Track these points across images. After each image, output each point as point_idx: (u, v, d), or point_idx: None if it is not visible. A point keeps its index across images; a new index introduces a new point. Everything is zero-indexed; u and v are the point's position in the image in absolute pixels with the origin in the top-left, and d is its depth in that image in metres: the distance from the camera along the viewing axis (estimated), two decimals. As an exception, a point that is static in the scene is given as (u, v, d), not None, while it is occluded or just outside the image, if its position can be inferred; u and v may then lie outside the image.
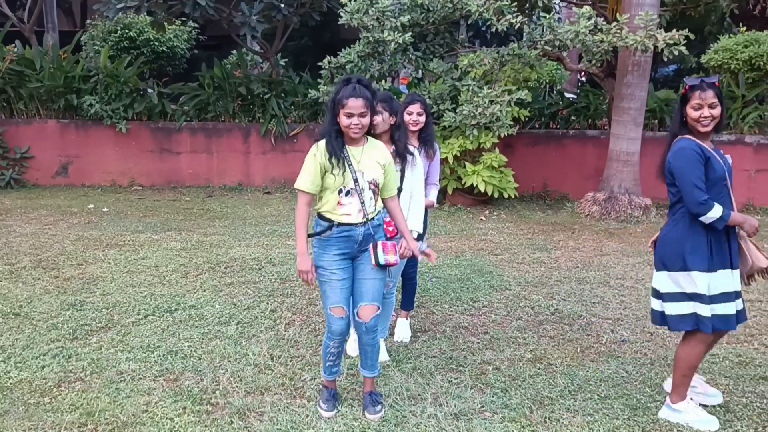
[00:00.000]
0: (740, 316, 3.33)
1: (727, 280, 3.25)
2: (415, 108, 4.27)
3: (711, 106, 3.22)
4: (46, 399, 3.54)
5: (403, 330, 4.55)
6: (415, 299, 4.85)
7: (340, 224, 3.30)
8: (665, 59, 7.51)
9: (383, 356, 4.11)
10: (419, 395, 3.65)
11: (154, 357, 4.11)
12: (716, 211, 3.15)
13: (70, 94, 10.94)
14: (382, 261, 3.28)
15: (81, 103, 10.85)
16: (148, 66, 12.11)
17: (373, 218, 3.35)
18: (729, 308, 3.26)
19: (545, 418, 3.44)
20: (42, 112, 11.19)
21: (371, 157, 3.34)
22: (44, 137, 11.10)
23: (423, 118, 4.32)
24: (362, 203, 3.30)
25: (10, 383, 3.71)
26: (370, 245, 3.32)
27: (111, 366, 3.97)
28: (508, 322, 4.90)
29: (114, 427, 3.24)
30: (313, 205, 3.36)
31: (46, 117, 11.19)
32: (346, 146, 3.30)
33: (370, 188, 3.31)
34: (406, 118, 4.24)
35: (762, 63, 10.34)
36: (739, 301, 3.32)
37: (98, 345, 4.30)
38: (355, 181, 3.28)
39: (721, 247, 3.26)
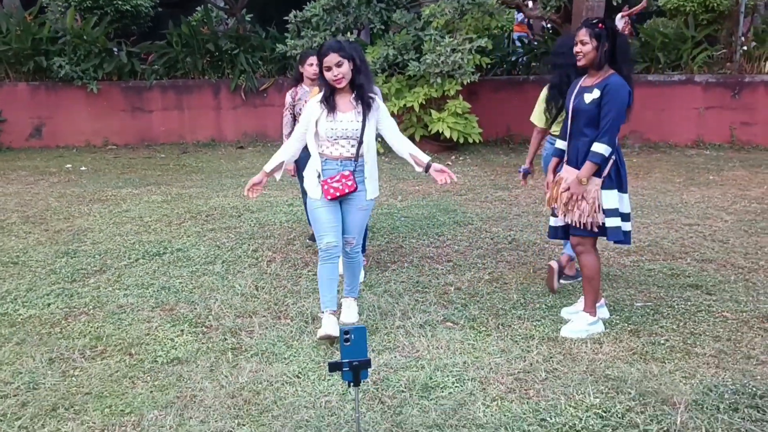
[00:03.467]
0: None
1: None
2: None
3: (582, 43, 3.58)
4: (56, 329, 3.95)
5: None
6: (369, 241, 5.23)
7: None
8: (614, 3, 7.90)
9: (353, 317, 4.04)
10: (389, 312, 4.14)
11: (149, 293, 4.53)
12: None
13: (39, 56, 11.00)
14: None
15: (50, 65, 10.94)
16: (113, 26, 12.15)
17: None
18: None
19: (499, 324, 3.95)
20: (11, 75, 11.25)
21: None
22: (15, 100, 11.19)
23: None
24: None
25: (21, 319, 4.10)
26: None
27: (111, 301, 4.38)
28: (469, 251, 5.40)
29: (122, 347, 3.68)
30: None
31: (16, 80, 11.26)
32: None
33: None
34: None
35: (716, 4, 10.82)
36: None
37: (96, 285, 4.70)
38: None
39: None
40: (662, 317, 4.01)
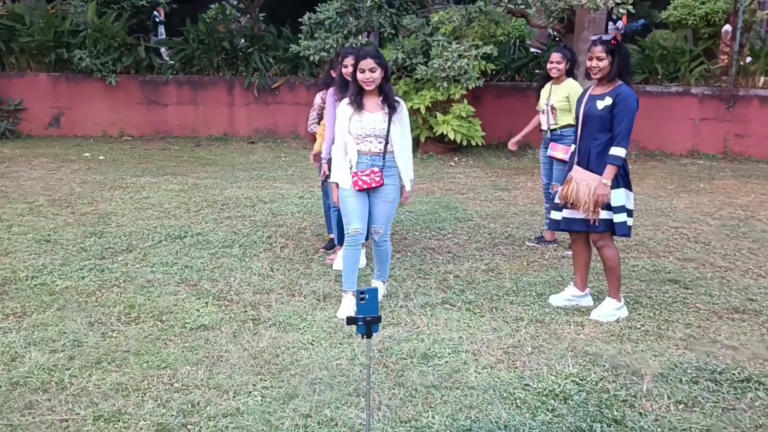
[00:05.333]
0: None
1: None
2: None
3: (598, 59, 3.99)
4: (92, 298, 4.37)
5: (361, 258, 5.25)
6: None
7: None
8: (614, 17, 8.32)
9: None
10: (393, 293, 4.55)
11: (174, 270, 4.94)
12: None
13: (60, 48, 11.47)
14: None
15: (71, 57, 11.39)
16: (130, 21, 12.60)
17: None
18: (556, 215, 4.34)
19: (493, 307, 4.36)
20: (33, 65, 11.70)
21: None
22: (36, 90, 11.64)
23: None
24: None
25: (59, 288, 4.52)
26: None
27: (140, 276, 4.80)
28: (468, 245, 5.81)
29: (154, 314, 4.10)
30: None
31: (37, 70, 11.71)
32: None
33: None
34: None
35: (717, 19, 11.24)
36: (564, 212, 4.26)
37: (124, 262, 5.12)
38: None
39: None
40: (641, 306, 4.41)
